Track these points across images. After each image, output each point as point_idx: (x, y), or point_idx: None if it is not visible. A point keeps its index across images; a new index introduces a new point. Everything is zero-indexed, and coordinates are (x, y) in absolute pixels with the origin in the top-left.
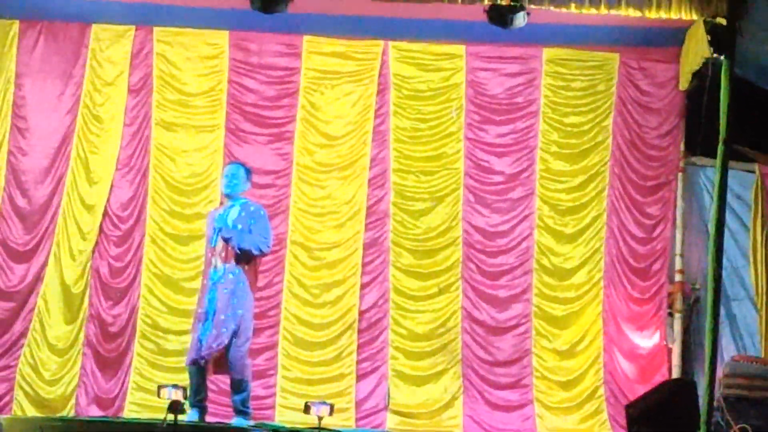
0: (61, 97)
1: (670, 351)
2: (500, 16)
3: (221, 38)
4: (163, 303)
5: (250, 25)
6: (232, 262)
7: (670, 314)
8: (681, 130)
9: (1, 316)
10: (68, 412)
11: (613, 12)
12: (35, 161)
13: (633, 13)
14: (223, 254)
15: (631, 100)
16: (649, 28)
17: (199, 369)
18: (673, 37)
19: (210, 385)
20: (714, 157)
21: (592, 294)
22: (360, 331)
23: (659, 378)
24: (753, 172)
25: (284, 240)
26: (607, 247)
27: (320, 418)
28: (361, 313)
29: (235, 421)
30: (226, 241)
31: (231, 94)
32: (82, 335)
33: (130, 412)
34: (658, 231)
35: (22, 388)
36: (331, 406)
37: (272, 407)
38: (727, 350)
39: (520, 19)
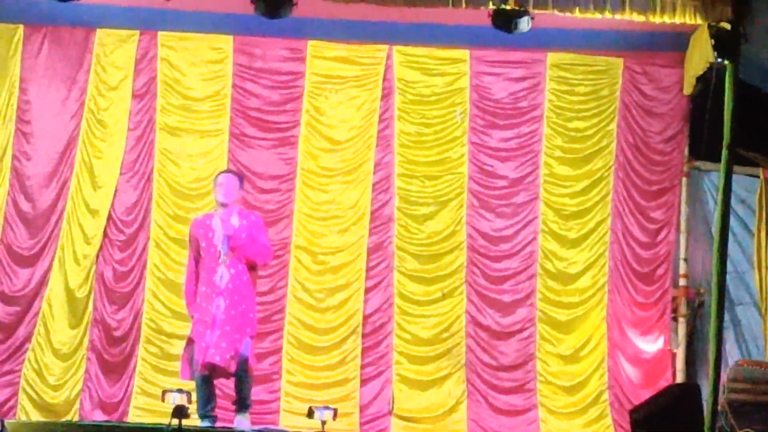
0: (65, 102)
1: (674, 355)
2: (505, 21)
3: (225, 43)
4: (168, 307)
5: (254, 29)
6: (238, 268)
7: (675, 319)
8: (685, 135)
9: (6, 320)
10: (72, 416)
11: (617, 17)
12: (39, 166)
13: (637, 17)
14: (228, 261)
15: (636, 104)
16: (653, 32)
17: (207, 378)
18: (677, 41)
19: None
20: (718, 161)
21: (596, 299)
22: (364, 336)
23: (663, 382)
24: (757, 176)
25: (288, 244)
26: (611, 251)
27: (324, 423)
28: (365, 317)
29: (240, 423)
30: (234, 249)
31: (235, 98)
32: (86, 340)
33: (134, 416)
34: (662, 235)
35: (26, 392)
36: (335, 411)
37: (276, 412)
38: (732, 355)
39: (525, 24)
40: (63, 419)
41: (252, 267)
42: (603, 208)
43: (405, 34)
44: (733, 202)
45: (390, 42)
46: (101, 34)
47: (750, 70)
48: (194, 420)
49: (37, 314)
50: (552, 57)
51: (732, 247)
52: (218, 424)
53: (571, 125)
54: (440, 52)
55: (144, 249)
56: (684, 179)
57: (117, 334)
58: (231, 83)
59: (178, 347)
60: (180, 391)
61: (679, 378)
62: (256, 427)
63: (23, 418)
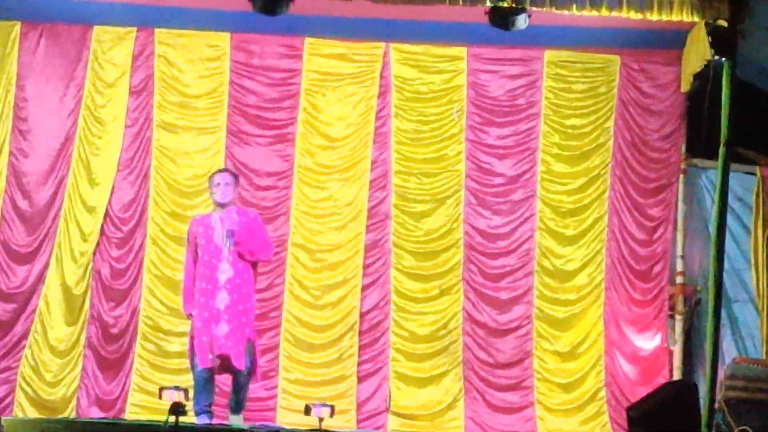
0: (62, 99)
1: (671, 353)
2: (501, 18)
3: (223, 40)
4: (165, 305)
5: (251, 26)
6: (239, 266)
7: (672, 316)
8: (682, 132)
9: (3, 317)
10: (69, 413)
11: (614, 14)
12: (37, 163)
13: (634, 15)
14: (231, 258)
15: (633, 102)
16: (650, 30)
17: (210, 374)
18: (674, 39)
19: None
20: (715, 159)
21: (593, 296)
22: (361, 333)
23: (660, 380)
24: (754, 174)
25: (285, 242)
26: (608, 249)
27: (321, 420)
28: (363, 314)
29: (234, 421)
30: (238, 243)
31: (232, 95)
32: (83, 337)
33: (131, 413)
34: (659, 233)
35: (23, 389)
36: (332, 408)
37: (273, 409)
38: (729, 352)
39: (522, 21)
40: (60, 416)
41: (253, 265)
42: (600, 206)
43: (402, 31)
44: (731, 199)
45: (387, 39)
46: (98, 31)
47: (747, 67)
48: (191, 417)
49: (34, 311)
50: (549, 54)
51: (729, 245)
52: (216, 421)
53: (569, 122)
54: (437, 50)
55: (141, 246)
56: (681, 177)
57: (114, 331)
58: (228, 80)
59: (175, 344)
60: (177, 388)
61: (676, 375)
62: (251, 424)
63: (20, 415)
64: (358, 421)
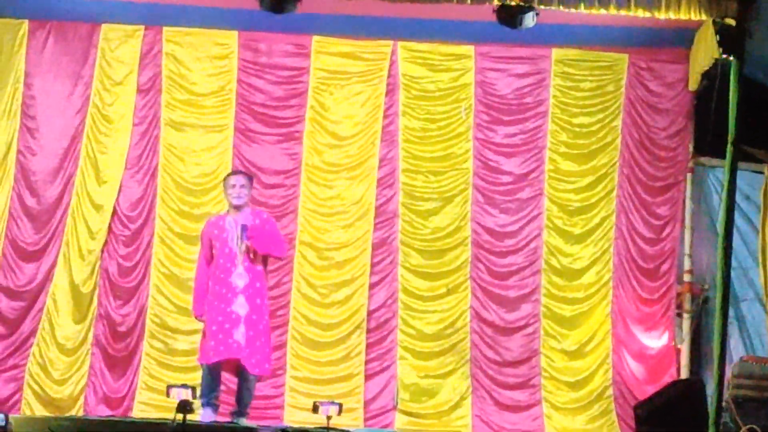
0: (70, 97)
1: (678, 351)
2: (509, 17)
3: (230, 38)
4: (172, 303)
5: (259, 25)
6: (256, 267)
7: (679, 315)
8: (690, 131)
9: (11, 315)
10: (77, 411)
11: (622, 12)
12: (44, 161)
13: (642, 13)
14: (246, 263)
15: (640, 100)
16: (658, 28)
17: (217, 367)
18: (682, 37)
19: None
20: (723, 157)
21: (600, 294)
22: (369, 331)
23: (668, 378)
24: (762, 172)
25: (293, 240)
26: (615, 247)
27: (329, 418)
28: (370, 313)
29: (241, 421)
30: (252, 238)
31: (240, 94)
32: (90, 335)
33: (138, 411)
34: (666, 231)
35: (30, 387)
36: (340, 406)
37: (281, 407)
38: (736, 351)
39: (530, 20)
40: (67, 414)
41: (266, 268)
42: (608, 204)
43: (410, 29)
44: (738, 198)
45: (395, 38)
46: (106, 29)
47: (755, 66)
48: (199, 415)
49: (41, 309)
50: (557, 53)
51: (736, 243)
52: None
53: (576, 121)
54: (445, 48)
55: (149, 244)
56: (689, 175)
57: (121, 329)
58: (236, 78)
59: (182, 342)
60: (184, 386)
61: (684, 374)
62: (259, 423)
63: (27, 413)
64: (366, 419)
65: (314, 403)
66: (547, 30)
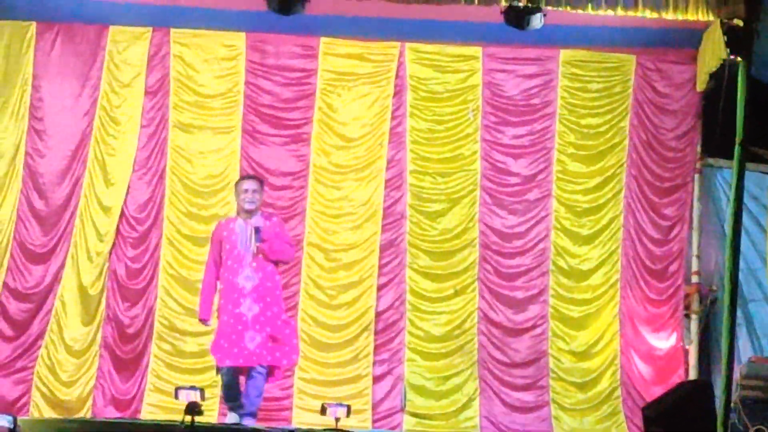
0: (78, 99)
1: (686, 352)
2: (517, 18)
3: (238, 40)
4: (180, 304)
5: (266, 26)
6: (268, 268)
7: (687, 316)
8: (698, 132)
9: (19, 317)
10: (85, 413)
11: (629, 13)
12: (53, 163)
13: (650, 14)
14: (254, 264)
15: (648, 101)
16: (665, 29)
17: (236, 376)
18: (689, 38)
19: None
20: (730, 158)
21: (608, 295)
22: (376, 333)
23: (676, 379)
24: None
25: (301, 241)
26: (623, 248)
27: (337, 420)
28: (378, 314)
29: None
30: (263, 243)
31: (248, 95)
32: (99, 337)
33: (147, 413)
34: (674, 232)
35: (39, 389)
36: (348, 408)
37: (289, 408)
38: (744, 351)
39: (537, 21)
40: (76, 416)
41: (276, 266)
42: (615, 205)
43: (417, 31)
44: (746, 198)
45: (402, 39)
46: (114, 31)
47: (763, 67)
48: (207, 417)
49: (50, 311)
50: (564, 54)
51: (744, 244)
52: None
53: (584, 122)
54: (452, 49)
55: (157, 246)
56: (696, 176)
57: (130, 331)
58: (243, 80)
59: (190, 344)
60: (193, 388)
61: (692, 375)
62: (265, 425)
63: (36, 415)
64: (374, 421)
65: (322, 404)
66: (555, 31)
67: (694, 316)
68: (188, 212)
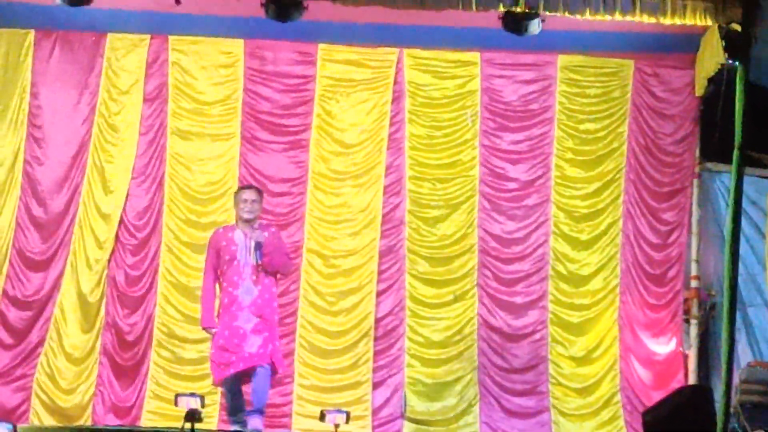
0: (76, 107)
1: (686, 357)
2: (515, 23)
3: (236, 47)
4: (180, 312)
5: (265, 33)
6: (266, 280)
7: (686, 320)
8: (696, 136)
9: (18, 325)
10: (85, 421)
11: (627, 18)
12: (51, 171)
13: (647, 19)
14: (254, 277)
15: (646, 106)
16: (663, 34)
17: (234, 384)
18: (687, 43)
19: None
20: (729, 163)
21: (608, 301)
22: (376, 339)
23: (675, 384)
24: None
25: (300, 248)
26: (622, 253)
27: (336, 426)
28: (377, 320)
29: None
30: (265, 255)
31: (246, 102)
32: (98, 344)
33: (147, 421)
34: (673, 237)
35: (38, 397)
36: (348, 414)
37: (289, 415)
38: (744, 356)
39: (535, 26)
40: (76, 424)
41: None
42: (614, 210)
43: (415, 37)
44: (745, 203)
45: (400, 45)
46: (112, 39)
47: (761, 71)
48: (207, 424)
49: (49, 319)
50: (562, 59)
51: (743, 249)
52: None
53: (582, 127)
54: (451, 55)
55: (156, 253)
56: (695, 181)
57: (129, 338)
58: (242, 87)
59: (190, 351)
60: (193, 395)
61: (692, 380)
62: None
63: (36, 422)
64: (374, 427)
65: (321, 411)
66: (553, 36)
67: (693, 321)
68: (187, 219)
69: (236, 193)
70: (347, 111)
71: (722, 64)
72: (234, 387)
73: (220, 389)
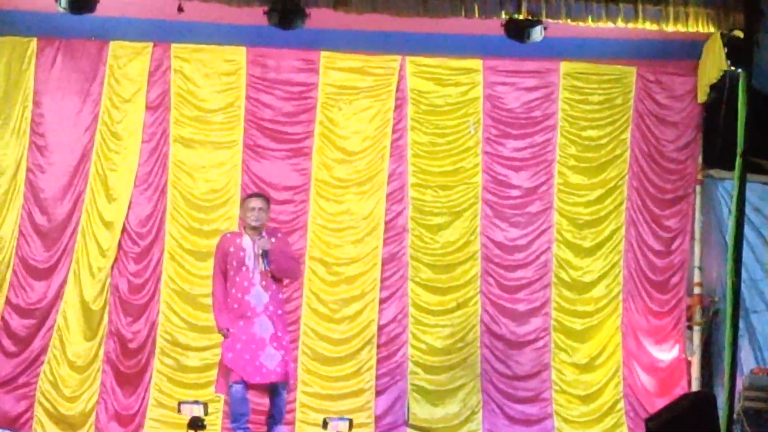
0: (79, 115)
1: (689, 364)
2: (517, 31)
3: (239, 54)
4: (183, 319)
5: (267, 41)
6: (274, 286)
7: (689, 327)
8: (699, 143)
9: (21, 333)
10: (88, 428)
11: (630, 25)
12: (54, 179)
13: (650, 26)
14: (264, 283)
15: (649, 113)
16: (666, 41)
17: (245, 392)
18: (690, 50)
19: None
20: (732, 169)
21: (611, 308)
22: (379, 346)
23: (679, 391)
24: None
25: (303, 255)
26: (625, 260)
27: None
28: (380, 327)
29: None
30: (272, 262)
31: (249, 110)
32: (101, 352)
33: (150, 428)
34: (676, 244)
35: (42, 405)
36: (350, 422)
37: (292, 422)
38: (747, 363)
39: (537, 34)
40: (79, 431)
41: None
42: (617, 217)
43: (418, 44)
44: (747, 210)
45: (403, 52)
46: (114, 47)
47: (763, 78)
48: (210, 431)
49: (52, 327)
50: (565, 66)
51: (746, 255)
52: None
53: (585, 134)
54: (453, 62)
55: (159, 261)
56: (698, 187)
57: (132, 346)
58: (244, 94)
59: (193, 359)
60: (196, 402)
61: (695, 386)
62: None
63: (39, 430)
64: None
65: (324, 419)
66: (555, 43)
67: (696, 328)
68: (190, 227)
69: (243, 201)
70: (350, 118)
71: (725, 71)
72: (243, 393)
73: (223, 396)
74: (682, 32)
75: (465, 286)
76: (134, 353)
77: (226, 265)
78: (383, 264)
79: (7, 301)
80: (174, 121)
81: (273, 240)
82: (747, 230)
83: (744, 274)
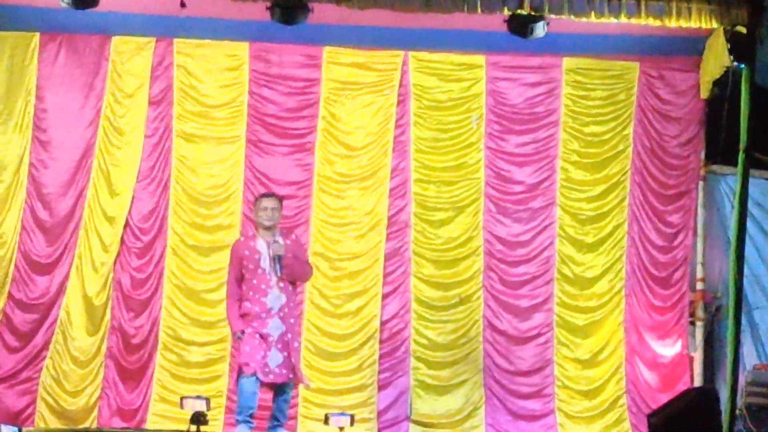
0: (82, 110)
1: (691, 359)
2: (520, 26)
3: (242, 50)
4: (185, 314)
5: (270, 36)
6: (289, 290)
7: (692, 323)
8: (701, 139)
9: (24, 328)
10: (91, 423)
11: (633, 21)
12: (57, 174)
13: (653, 22)
14: (281, 285)
15: (652, 109)
16: (669, 37)
17: (254, 384)
18: (693, 45)
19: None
20: (734, 165)
21: (613, 303)
22: (381, 342)
23: (681, 386)
24: None
25: (306, 251)
26: (628, 256)
27: (341, 429)
28: (383, 323)
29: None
30: (286, 267)
31: (252, 105)
32: (104, 347)
33: (152, 423)
34: (679, 239)
35: (44, 399)
36: (352, 417)
37: (294, 418)
38: (749, 358)
39: (540, 29)
40: (81, 426)
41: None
42: (620, 213)
43: (421, 39)
44: (750, 205)
45: (406, 48)
46: (117, 42)
47: (766, 73)
48: (212, 426)
49: (55, 322)
50: (568, 62)
51: (749, 251)
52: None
53: (588, 130)
54: (456, 58)
55: (161, 256)
56: (700, 183)
57: (135, 341)
58: (247, 90)
59: (196, 354)
60: (198, 397)
61: (697, 382)
62: None
63: (41, 425)
64: (379, 430)
65: (325, 414)
66: (558, 39)
67: (698, 323)
68: (192, 222)
69: (257, 200)
70: (352, 114)
71: (728, 67)
72: (254, 388)
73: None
74: (684, 28)
75: (467, 282)
76: (137, 348)
77: (242, 271)
78: (386, 259)
79: (10, 296)
80: (177, 116)
81: (288, 242)
82: (749, 226)
83: (746, 270)
